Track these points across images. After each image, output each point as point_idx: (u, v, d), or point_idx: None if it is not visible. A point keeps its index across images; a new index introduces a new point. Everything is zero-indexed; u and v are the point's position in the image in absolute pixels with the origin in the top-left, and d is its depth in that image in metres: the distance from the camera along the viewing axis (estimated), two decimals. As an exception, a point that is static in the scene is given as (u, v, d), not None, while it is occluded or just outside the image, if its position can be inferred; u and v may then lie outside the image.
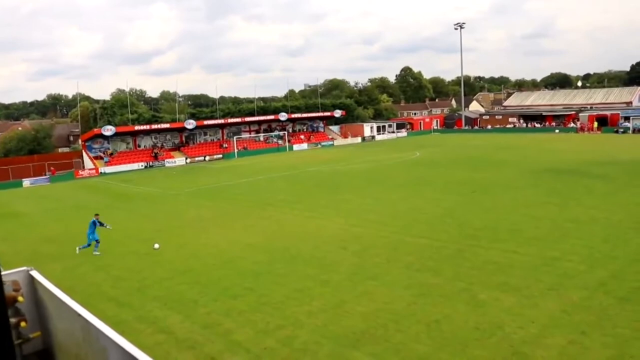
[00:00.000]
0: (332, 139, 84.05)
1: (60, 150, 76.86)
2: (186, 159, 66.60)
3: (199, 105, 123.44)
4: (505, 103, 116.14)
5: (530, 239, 20.47)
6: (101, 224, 22.22)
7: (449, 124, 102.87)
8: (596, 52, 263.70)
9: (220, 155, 69.32)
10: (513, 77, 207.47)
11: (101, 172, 58.83)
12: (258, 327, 13.52)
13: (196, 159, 67.31)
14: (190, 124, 68.86)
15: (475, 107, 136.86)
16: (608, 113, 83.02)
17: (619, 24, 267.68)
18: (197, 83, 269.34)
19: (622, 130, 75.22)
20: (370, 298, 15.09)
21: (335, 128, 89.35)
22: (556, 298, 14.29)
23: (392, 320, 13.36)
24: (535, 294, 14.63)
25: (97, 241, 22.05)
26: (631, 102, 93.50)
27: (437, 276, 16.72)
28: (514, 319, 13.00)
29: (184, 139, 71.97)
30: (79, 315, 4.95)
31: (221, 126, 74.89)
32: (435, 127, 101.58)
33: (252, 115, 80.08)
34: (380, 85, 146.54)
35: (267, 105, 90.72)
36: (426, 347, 11.86)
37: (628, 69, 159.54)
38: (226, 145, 72.31)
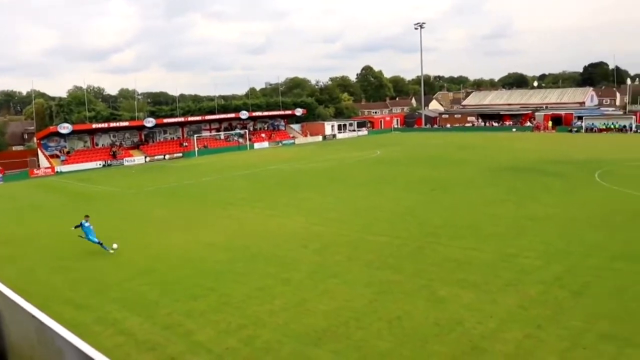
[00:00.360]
0: (293, 137, 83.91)
1: (14, 148, 74.69)
2: (145, 157, 65.52)
3: (159, 103, 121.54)
4: (464, 102, 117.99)
5: (489, 236, 20.86)
6: (79, 226, 21.37)
7: (409, 122, 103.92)
8: (551, 53, 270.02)
9: (180, 154, 68.43)
10: (472, 77, 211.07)
11: (57, 171, 57.37)
12: (219, 327, 13.40)
13: (156, 157, 66.25)
14: (150, 122, 67.75)
15: (434, 106, 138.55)
16: (562, 113, 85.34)
17: (573, 27, 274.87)
18: (156, 81, 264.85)
19: (575, 129, 77.37)
20: (332, 296, 15.12)
21: (296, 127, 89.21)
22: (514, 293, 14.59)
23: (353, 318, 13.42)
24: (494, 290, 14.91)
25: (101, 243, 21.24)
26: (584, 102, 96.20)
27: (398, 273, 16.88)
28: (473, 315, 13.22)
29: (143, 137, 70.77)
30: (33, 316, 4.81)
31: (181, 124, 73.95)
32: (396, 126, 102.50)
33: (213, 113, 79.21)
34: (341, 84, 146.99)
35: (227, 104, 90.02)
36: (387, 343, 11.95)
37: (581, 70, 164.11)
38: (186, 144, 71.46)
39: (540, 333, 12.06)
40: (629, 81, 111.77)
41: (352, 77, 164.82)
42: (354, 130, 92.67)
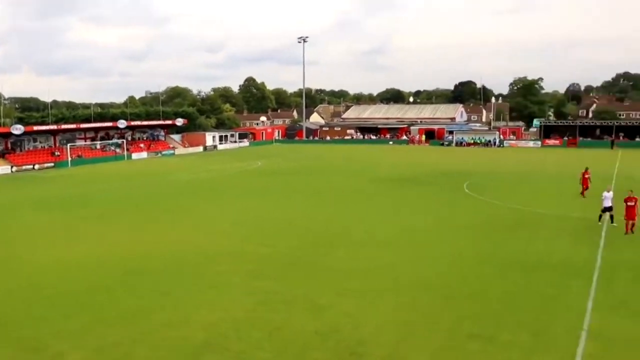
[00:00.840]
0: (174, 147, 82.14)
1: None
2: (12, 167, 61.22)
3: (29, 109, 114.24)
4: (344, 115, 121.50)
5: (366, 245, 21.58)
6: None
7: (291, 134, 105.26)
8: (426, 71, 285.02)
9: (52, 164, 64.67)
10: (352, 91, 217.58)
11: None
12: (92, 346, 12.59)
13: (24, 167, 62.11)
14: (18, 129, 63.44)
15: (315, 118, 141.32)
16: (435, 127, 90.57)
17: (445, 47, 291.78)
18: (26, 85, 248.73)
19: (447, 143, 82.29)
20: (211, 308, 14.89)
21: (176, 137, 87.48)
22: (390, 299, 15.18)
23: (232, 329, 13.31)
24: (371, 297, 15.41)
25: None
26: (454, 118, 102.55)
27: (278, 283, 16.97)
28: (351, 321, 13.57)
29: (9, 145, 66.16)
30: None
31: (53, 132, 69.95)
32: (277, 138, 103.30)
33: (89, 121, 76.11)
34: (224, 94, 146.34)
35: (105, 112, 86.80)
36: (267, 353, 11.96)
37: (452, 87, 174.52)
38: (59, 153, 67.62)
39: (413, 336, 12.63)
40: (493, 99, 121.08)
41: (235, 88, 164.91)
42: (236, 142, 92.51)
